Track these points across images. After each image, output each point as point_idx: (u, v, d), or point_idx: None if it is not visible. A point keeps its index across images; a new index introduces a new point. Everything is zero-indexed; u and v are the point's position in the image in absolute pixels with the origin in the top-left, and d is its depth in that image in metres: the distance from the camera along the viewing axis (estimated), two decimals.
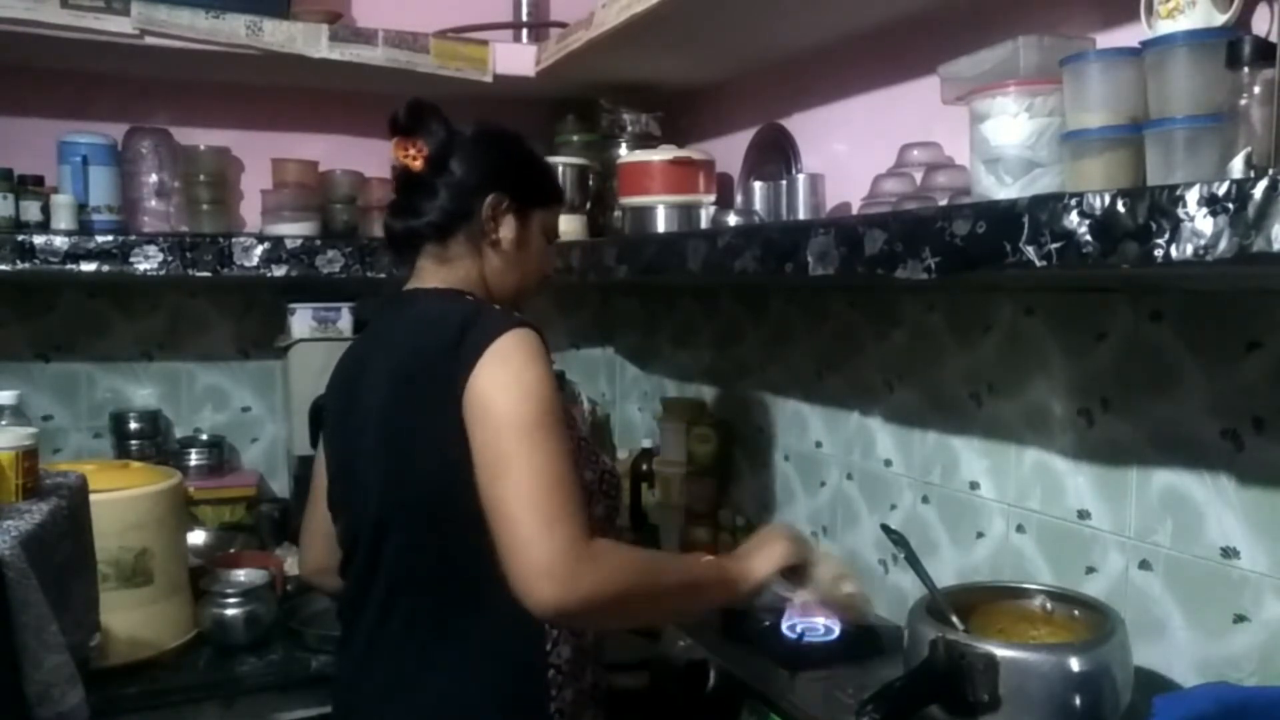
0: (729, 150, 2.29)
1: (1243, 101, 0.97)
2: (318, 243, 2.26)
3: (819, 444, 2.15)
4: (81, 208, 2.17)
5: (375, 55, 2.19)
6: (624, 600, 1.25)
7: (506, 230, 1.45)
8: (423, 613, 1.36)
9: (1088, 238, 0.99)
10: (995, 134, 1.30)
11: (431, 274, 1.45)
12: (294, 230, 2.31)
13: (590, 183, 2.41)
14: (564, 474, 1.23)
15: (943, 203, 1.45)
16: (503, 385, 1.25)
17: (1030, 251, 1.05)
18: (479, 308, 1.37)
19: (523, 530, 1.20)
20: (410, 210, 1.45)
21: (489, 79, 2.30)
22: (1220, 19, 1.14)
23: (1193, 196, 0.88)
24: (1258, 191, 0.83)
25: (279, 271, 2.20)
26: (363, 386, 1.43)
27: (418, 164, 1.42)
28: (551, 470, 1.22)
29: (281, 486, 2.55)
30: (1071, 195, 1.01)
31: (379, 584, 1.39)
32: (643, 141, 2.36)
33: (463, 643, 1.35)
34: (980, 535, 1.75)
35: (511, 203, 1.45)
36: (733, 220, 1.95)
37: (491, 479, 1.23)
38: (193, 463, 2.39)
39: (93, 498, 1.56)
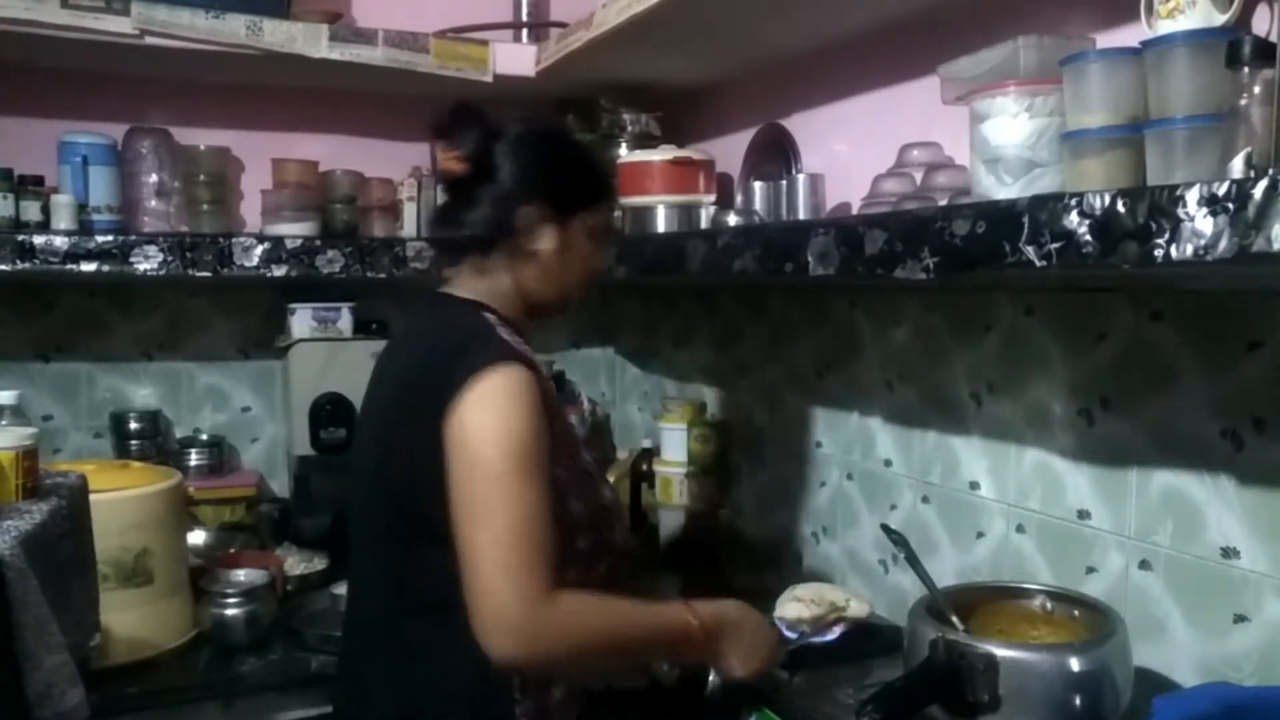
0: (729, 150, 2.29)
1: (1243, 101, 0.97)
2: (318, 243, 2.26)
3: (819, 444, 2.15)
4: (81, 208, 2.17)
5: (375, 55, 2.19)
6: (582, 655, 1.27)
7: (547, 241, 1.41)
8: (385, 614, 1.37)
9: (1088, 238, 0.99)
10: (995, 134, 1.30)
11: (465, 281, 1.44)
12: (294, 230, 2.31)
13: None
14: (533, 525, 1.22)
15: (943, 203, 1.45)
16: (482, 425, 1.24)
17: (1030, 251, 1.05)
18: (478, 332, 1.35)
19: (485, 582, 1.20)
20: (452, 220, 1.43)
21: (489, 79, 2.29)
22: (1220, 19, 1.14)
23: (1193, 196, 0.88)
24: (1258, 191, 0.83)
25: (279, 271, 2.20)
26: (380, 381, 1.47)
27: (456, 168, 1.40)
28: (520, 521, 1.21)
29: (281, 486, 2.55)
30: (1071, 195, 1.01)
31: (360, 576, 1.44)
32: (643, 141, 2.36)
33: (412, 651, 1.33)
34: (980, 535, 1.75)
35: (551, 212, 1.41)
36: (733, 220, 1.95)
37: (462, 520, 1.23)
38: (193, 463, 2.39)
39: (93, 498, 1.56)
